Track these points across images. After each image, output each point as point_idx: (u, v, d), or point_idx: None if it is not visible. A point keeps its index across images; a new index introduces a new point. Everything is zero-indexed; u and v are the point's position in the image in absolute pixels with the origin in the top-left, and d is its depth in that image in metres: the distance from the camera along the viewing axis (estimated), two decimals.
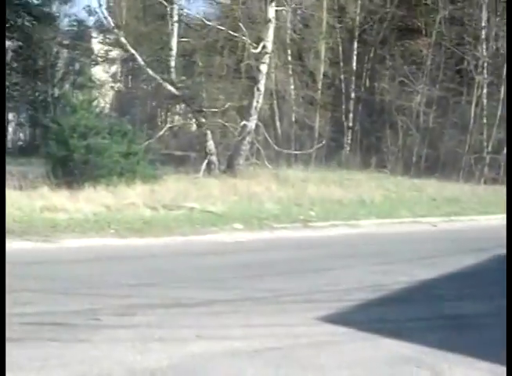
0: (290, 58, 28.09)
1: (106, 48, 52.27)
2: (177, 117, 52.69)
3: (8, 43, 43.16)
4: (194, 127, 35.25)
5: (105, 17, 40.94)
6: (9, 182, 16.75)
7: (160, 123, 48.77)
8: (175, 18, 24.18)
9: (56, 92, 46.09)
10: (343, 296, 7.92)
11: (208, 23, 23.11)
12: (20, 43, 42.76)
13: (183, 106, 29.08)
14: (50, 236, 11.95)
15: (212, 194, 17.12)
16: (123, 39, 23.76)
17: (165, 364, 5.43)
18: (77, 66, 49.61)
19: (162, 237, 12.35)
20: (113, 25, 24.05)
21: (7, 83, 39.19)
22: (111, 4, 50.08)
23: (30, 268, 9.56)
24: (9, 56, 41.76)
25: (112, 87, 50.09)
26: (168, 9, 23.95)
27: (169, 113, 52.88)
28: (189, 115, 27.43)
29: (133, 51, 23.77)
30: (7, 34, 41.97)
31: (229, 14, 24.25)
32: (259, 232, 13.30)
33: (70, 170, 18.39)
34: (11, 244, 11.28)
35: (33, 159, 35.07)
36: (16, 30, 42.23)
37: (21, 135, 49.13)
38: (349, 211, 15.93)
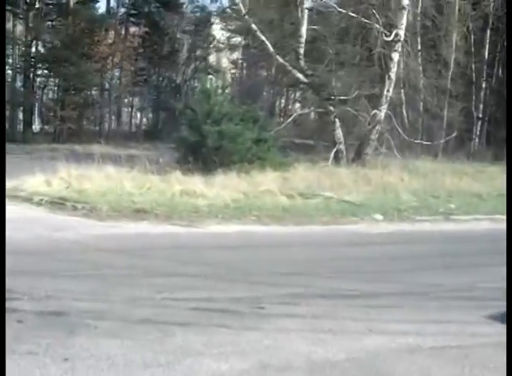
0: (420, 46, 27.41)
1: (228, 34, 52.80)
2: (297, 105, 52.77)
3: (135, 29, 44.19)
4: (312, 115, 35.22)
5: (233, 4, 41.50)
6: (140, 167, 16.98)
7: (279, 111, 49.06)
8: (306, 4, 23.92)
9: (180, 78, 46.87)
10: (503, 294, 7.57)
11: (340, 9, 22.76)
12: (147, 29, 43.53)
13: (309, 93, 28.77)
14: (194, 221, 12.07)
15: (344, 183, 16.87)
16: (253, 26, 23.69)
17: (343, 358, 5.30)
18: (198, 52, 50.31)
19: (303, 225, 12.27)
20: (244, 12, 23.97)
21: (133, 68, 40.09)
22: None
23: (181, 252, 9.63)
24: (135, 41, 42.61)
25: (233, 73, 50.44)
26: None
27: (290, 101, 53.05)
28: (314, 103, 26.97)
29: (263, 37, 23.68)
30: (135, 20, 43.04)
31: (362, 0, 23.77)
32: (400, 223, 13.01)
33: (202, 155, 18.53)
34: (157, 228, 11.48)
35: (158, 143, 35.86)
36: (143, 17, 43.04)
37: (144, 119, 50.14)
38: (490, 205, 15.35)
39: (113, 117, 42.83)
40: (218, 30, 52.59)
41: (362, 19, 22.27)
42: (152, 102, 46.30)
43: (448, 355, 5.46)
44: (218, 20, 52.35)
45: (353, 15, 22.45)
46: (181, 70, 47.71)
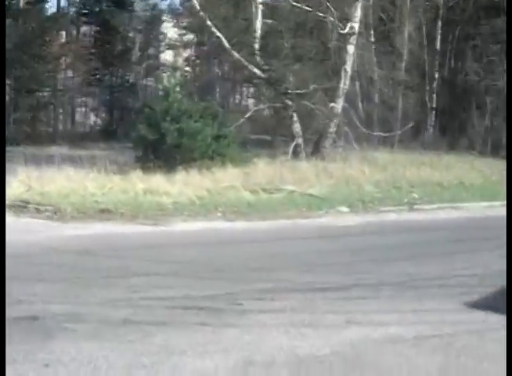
0: (373, 38, 27.58)
1: (180, 32, 52.61)
2: (251, 101, 52.83)
3: (86, 28, 43.73)
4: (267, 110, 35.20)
5: (185, 2, 41.25)
6: (100, 167, 16.80)
7: (234, 106, 49.01)
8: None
9: (133, 76, 46.55)
10: (479, 281, 7.65)
11: (295, 3, 22.77)
12: (98, 28, 43.10)
13: (265, 88, 28.77)
14: (160, 219, 11.99)
15: (306, 177, 16.91)
16: (208, 22, 23.60)
17: (328, 351, 5.29)
18: (151, 50, 50.05)
19: (269, 220, 12.26)
20: (198, 8, 23.84)
21: (86, 68, 39.68)
22: None
23: (149, 251, 9.58)
24: (87, 41, 42.17)
25: (186, 71, 50.22)
26: None
27: (243, 97, 53.06)
28: (270, 98, 26.93)
29: (218, 33, 23.62)
30: (86, 19, 42.58)
31: None
32: (365, 215, 13.09)
33: (162, 153, 18.39)
34: (123, 227, 11.38)
35: (113, 143, 35.55)
36: (94, 16, 42.60)
37: (98, 119, 49.67)
38: (451, 193, 15.55)
39: (67, 118, 42.34)
40: (169, 28, 52.38)
41: (317, 12, 22.28)
42: (106, 101, 45.90)
43: (430, 344, 5.49)
44: (169, 18, 52.18)
45: (307, 8, 22.47)
46: (134, 69, 47.38)
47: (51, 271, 8.16)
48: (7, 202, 13.23)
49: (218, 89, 47.74)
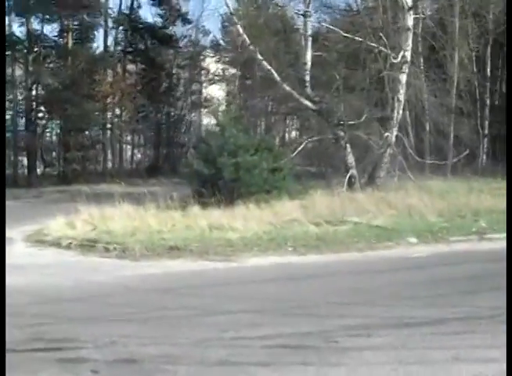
0: (424, 65, 27.46)
1: (222, 66, 53.03)
2: (294, 133, 52.87)
3: (132, 66, 44.26)
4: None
5: (227, 37, 41.62)
6: (156, 203, 16.81)
7: (279, 139, 49.03)
8: (309, 32, 23.95)
9: (178, 112, 46.93)
10: None
11: (346, 34, 22.77)
12: (144, 66, 43.61)
13: (314, 120, 28.77)
14: (230, 255, 11.90)
15: (366, 208, 16.70)
16: (259, 55, 23.68)
17: None
18: (194, 86, 50.44)
19: (340, 253, 12.10)
20: (248, 42, 23.93)
21: (132, 105, 40.05)
22: (226, 24, 50.95)
23: (226, 288, 9.46)
24: (133, 79, 42.63)
25: (228, 105, 50.47)
26: (301, 22, 23.81)
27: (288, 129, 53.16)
28: (322, 130, 26.87)
29: (269, 67, 23.68)
30: (131, 57, 43.09)
31: (361, 24, 23.83)
32: (436, 245, 12.83)
33: (218, 188, 18.35)
34: (194, 265, 11.32)
35: (162, 179, 35.78)
36: (139, 54, 43.11)
37: (139, 156, 50.08)
38: None
39: (115, 156, 42.74)
40: (212, 63, 52.82)
41: (368, 42, 22.23)
42: (152, 138, 46.32)
43: None
44: (211, 53, 52.61)
45: (358, 39, 22.44)
46: (178, 105, 47.81)
47: (134, 311, 8.08)
48: (75, 242, 13.33)
49: (262, 123, 47.98)
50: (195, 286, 9.65)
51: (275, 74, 23.64)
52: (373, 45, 22.32)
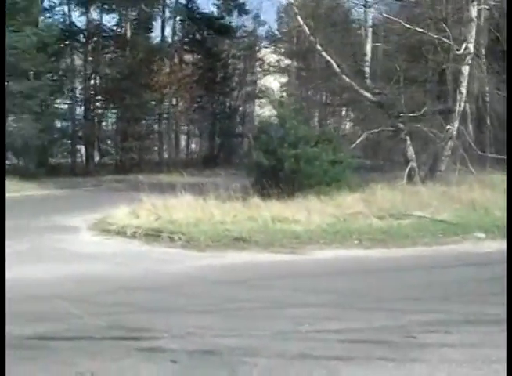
0: (485, 57, 26.98)
1: (278, 58, 52.96)
2: (348, 125, 52.55)
3: (189, 56, 44.48)
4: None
5: (283, 28, 41.47)
6: (215, 194, 16.81)
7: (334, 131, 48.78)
8: (369, 23, 23.77)
9: (233, 103, 47.03)
10: None
11: (408, 26, 22.49)
12: (200, 56, 43.81)
13: (371, 111, 28.54)
14: (296, 247, 11.87)
15: (428, 202, 16.44)
16: (318, 46, 23.56)
17: None
18: (249, 76, 50.49)
19: (407, 248, 11.97)
20: (308, 32, 23.83)
21: (189, 96, 40.21)
22: (281, 15, 50.85)
23: (296, 281, 9.45)
24: (189, 69, 42.82)
25: (282, 96, 50.41)
26: (361, 13, 23.63)
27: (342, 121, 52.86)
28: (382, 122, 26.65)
29: (329, 58, 23.55)
30: (188, 47, 43.30)
31: (423, 15, 23.52)
32: (503, 241, 12.58)
33: (279, 179, 18.30)
34: (261, 256, 11.32)
35: (217, 169, 35.87)
36: (196, 44, 43.31)
37: (194, 146, 50.36)
38: None
39: (171, 146, 43.03)
40: (268, 54, 52.80)
41: (430, 34, 21.93)
42: (207, 128, 46.53)
43: None
44: (267, 44, 52.56)
45: (420, 30, 22.15)
46: (233, 96, 47.93)
47: (206, 302, 8.11)
48: (140, 231, 13.44)
49: (316, 114, 47.80)
50: (264, 278, 9.66)
51: (335, 65, 23.49)
52: (436, 36, 22.01)
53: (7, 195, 25.03)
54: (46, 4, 37.03)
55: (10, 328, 6.84)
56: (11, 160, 35.78)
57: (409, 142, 22.96)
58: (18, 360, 5.87)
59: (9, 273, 9.98)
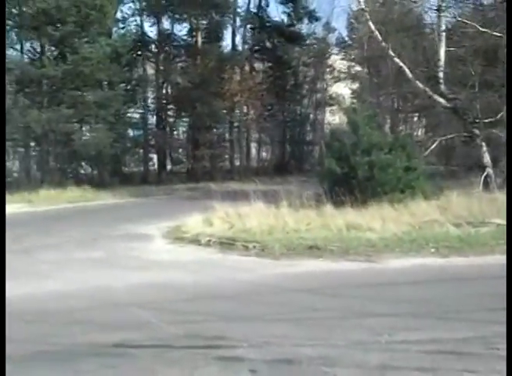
0: None
1: (348, 64, 52.71)
2: (420, 131, 51.84)
3: (259, 64, 44.65)
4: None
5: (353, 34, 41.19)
6: (287, 202, 16.72)
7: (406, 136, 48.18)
8: (443, 27, 23.38)
9: (303, 110, 46.97)
10: None
11: (483, 29, 22.05)
12: (270, 64, 43.93)
13: (444, 117, 28.13)
14: (371, 256, 11.71)
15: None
16: (391, 52, 23.34)
17: None
18: (319, 83, 50.39)
19: (485, 256, 11.67)
20: (380, 38, 23.61)
21: (259, 104, 40.33)
22: (351, 21, 50.58)
23: (373, 290, 9.29)
24: (260, 77, 42.97)
25: (353, 103, 50.15)
26: (434, 17, 23.28)
27: (414, 127, 52.23)
28: (455, 128, 26.24)
29: (401, 64, 23.31)
30: (258, 55, 43.45)
31: (498, 19, 23.01)
32: None
33: (351, 187, 18.12)
34: (336, 265, 11.22)
35: (288, 177, 35.81)
36: (266, 52, 43.46)
37: (264, 154, 50.44)
38: None
39: (242, 153, 43.22)
40: (337, 61, 52.62)
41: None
42: (277, 136, 46.59)
43: None
44: (337, 50, 52.41)
45: (497, 34, 21.68)
46: (303, 103, 47.90)
47: (283, 311, 8.07)
48: (213, 239, 13.49)
49: (388, 121, 47.34)
50: (341, 286, 9.54)
51: (407, 71, 23.23)
52: None
53: (84, 204, 25.59)
54: (119, 15, 37.67)
55: (92, 336, 6.94)
56: (86, 169, 36.46)
57: (485, 148, 22.51)
58: (100, 367, 5.94)
59: (86, 280, 10.17)
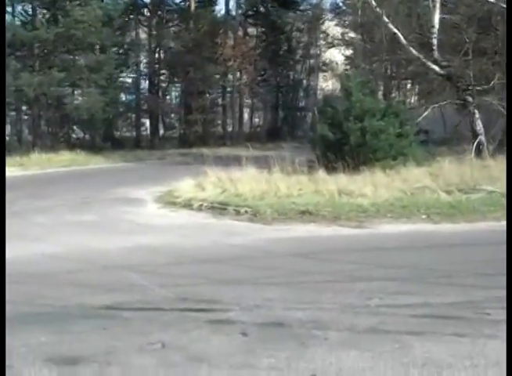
0: None
1: (342, 30, 52.32)
2: (414, 98, 51.68)
3: (252, 29, 44.36)
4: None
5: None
6: (279, 167, 16.73)
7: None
8: None
9: (296, 76, 46.76)
10: None
11: None
12: (264, 29, 43.64)
13: (436, 85, 28.07)
14: (363, 221, 11.77)
15: (497, 176, 16.06)
16: (385, 18, 23.21)
17: None
18: (313, 49, 50.10)
19: (476, 223, 11.74)
20: (374, 4, 23.46)
21: (252, 69, 40.12)
22: None
23: (363, 255, 9.36)
24: (253, 42, 42.71)
25: (346, 69, 49.84)
26: None
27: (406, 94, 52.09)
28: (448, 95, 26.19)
29: (395, 30, 23.20)
30: (252, 20, 43.15)
31: None
32: None
33: (344, 153, 18.15)
34: (328, 230, 11.27)
35: (280, 142, 35.73)
36: (260, 17, 43.16)
37: (256, 119, 50.28)
38: None
39: (234, 119, 43.09)
40: (331, 27, 52.27)
41: (501, 4, 21.34)
42: (270, 101, 46.40)
43: None
44: (331, 17, 52.02)
45: (491, 0, 21.59)
46: (297, 69, 47.67)
47: (274, 274, 8.10)
48: (205, 204, 13.51)
49: (381, 87, 47.13)
50: (332, 251, 9.60)
51: (401, 37, 23.13)
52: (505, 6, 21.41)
53: (76, 168, 25.56)
54: None
55: (84, 298, 6.97)
56: (77, 133, 36.33)
57: (477, 115, 22.53)
58: (92, 329, 5.97)
59: (78, 243, 10.20)
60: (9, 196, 16.30)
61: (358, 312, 6.43)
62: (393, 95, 47.23)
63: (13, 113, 35.32)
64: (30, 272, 8.38)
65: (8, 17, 32.58)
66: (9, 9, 32.71)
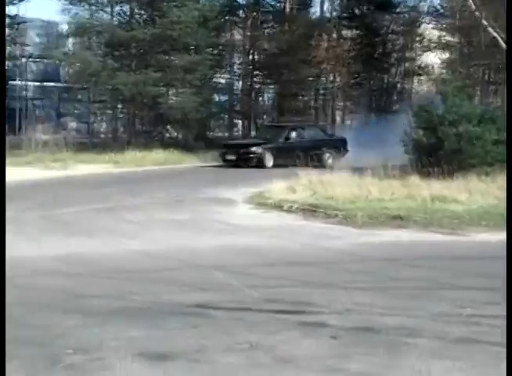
0: None
1: (439, 33, 51.32)
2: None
3: (346, 32, 44.09)
4: None
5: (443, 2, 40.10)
6: (372, 172, 16.55)
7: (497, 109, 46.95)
8: None
9: (390, 79, 46.23)
10: None
11: None
12: (359, 32, 43.33)
13: None
14: (456, 228, 11.56)
15: None
16: (484, 21, 22.72)
17: None
18: (408, 52, 49.37)
19: None
20: (474, 7, 22.99)
21: (346, 71, 39.89)
22: None
23: (457, 263, 9.18)
24: (347, 44, 42.41)
25: (442, 73, 48.94)
26: None
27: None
28: None
29: (494, 33, 22.66)
30: (347, 23, 42.92)
31: None
32: None
33: (438, 159, 17.85)
34: (419, 236, 11.12)
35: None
36: (355, 20, 42.88)
37: (348, 122, 49.87)
38: None
39: (327, 121, 42.93)
40: (429, 30, 51.35)
41: None
42: (364, 104, 46.00)
43: None
44: (428, 19, 51.10)
45: None
46: (391, 72, 47.13)
47: (366, 279, 8.06)
48: (296, 206, 13.52)
49: (478, 92, 46.12)
50: (423, 257, 9.46)
51: (501, 42, 22.58)
52: None
53: (169, 166, 25.97)
54: None
55: (174, 295, 7.08)
56: (171, 133, 36.86)
57: None
58: (181, 325, 6.06)
59: (170, 241, 10.36)
60: (104, 192, 16.77)
61: (449, 321, 6.33)
62: (490, 100, 46.17)
63: (109, 111, 36.12)
64: (122, 269, 8.56)
65: (106, 17, 33.40)
66: (107, 9, 33.48)
